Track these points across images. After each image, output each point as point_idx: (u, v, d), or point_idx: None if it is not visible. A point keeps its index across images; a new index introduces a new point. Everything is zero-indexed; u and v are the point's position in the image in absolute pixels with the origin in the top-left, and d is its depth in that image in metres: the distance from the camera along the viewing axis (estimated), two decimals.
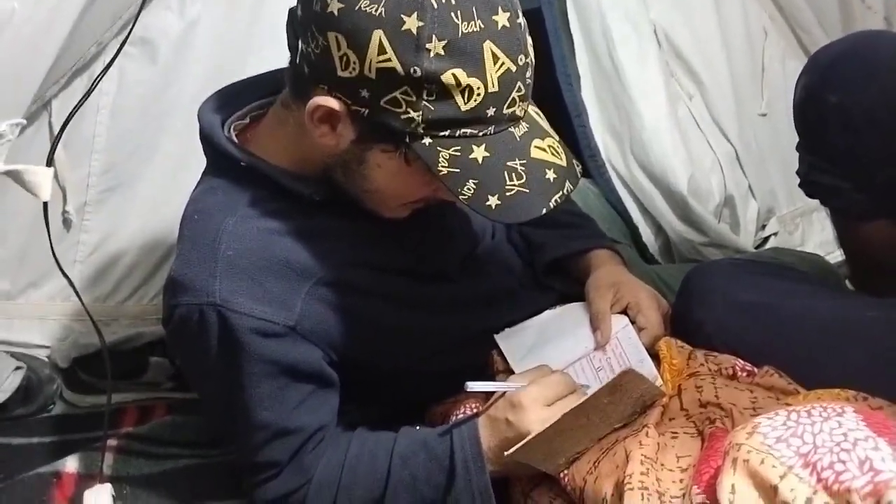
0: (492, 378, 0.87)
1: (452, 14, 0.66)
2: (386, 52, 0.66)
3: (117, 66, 1.06)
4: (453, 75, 0.66)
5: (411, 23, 0.65)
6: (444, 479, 0.78)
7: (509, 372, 0.87)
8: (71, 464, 0.93)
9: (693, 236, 1.28)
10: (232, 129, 0.82)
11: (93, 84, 0.99)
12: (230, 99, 0.84)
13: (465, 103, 0.68)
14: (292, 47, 0.73)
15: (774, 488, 0.59)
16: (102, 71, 1.01)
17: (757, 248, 1.35)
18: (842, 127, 0.85)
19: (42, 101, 1.08)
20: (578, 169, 0.75)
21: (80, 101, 0.97)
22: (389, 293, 0.83)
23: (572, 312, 0.92)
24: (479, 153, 0.70)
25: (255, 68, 0.87)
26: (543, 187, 0.71)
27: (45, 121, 1.11)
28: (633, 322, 0.88)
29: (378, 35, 0.66)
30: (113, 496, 0.86)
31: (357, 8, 0.66)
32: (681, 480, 0.70)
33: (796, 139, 0.93)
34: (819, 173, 0.90)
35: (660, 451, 0.73)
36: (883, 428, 0.60)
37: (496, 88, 0.68)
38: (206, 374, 0.81)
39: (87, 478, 0.90)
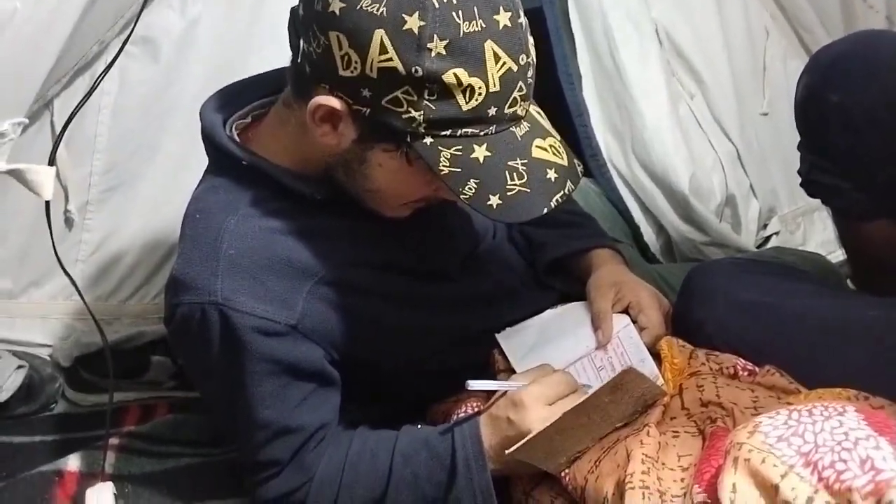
0: (493, 377, 0.88)
1: (454, 14, 0.66)
2: (387, 52, 0.66)
3: (119, 65, 1.06)
4: (455, 75, 0.66)
5: (413, 22, 0.65)
6: (445, 477, 0.78)
7: (510, 371, 0.87)
8: (73, 462, 0.93)
9: (694, 236, 1.28)
10: (234, 129, 0.83)
11: (94, 83, 0.99)
12: (232, 98, 0.84)
13: (467, 103, 0.68)
14: (294, 47, 0.73)
15: (775, 487, 0.59)
16: (104, 70, 1.02)
17: (758, 247, 1.35)
18: (843, 126, 0.85)
19: (44, 101, 1.09)
20: (580, 168, 0.76)
21: (81, 100, 0.97)
22: (390, 292, 0.83)
23: (573, 312, 0.92)
24: (480, 153, 0.70)
25: (257, 67, 0.88)
26: (544, 187, 0.71)
27: (46, 120, 1.11)
28: (634, 321, 0.88)
29: (379, 35, 0.66)
30: (115, 494, 0.86)
31: (358, 7, 0.66)
32: (682, 479, 0.70)
33: (797, 138, 0.93)
34: (820, 173, 0.90)
35: (661, 450, 0.73)
36: (884, 427, 0.60)
37: (497, 88, 0.68)
38: (207, 373, 0.81)
39: (89, 476, 0.90)
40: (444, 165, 0.69)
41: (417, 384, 0.90)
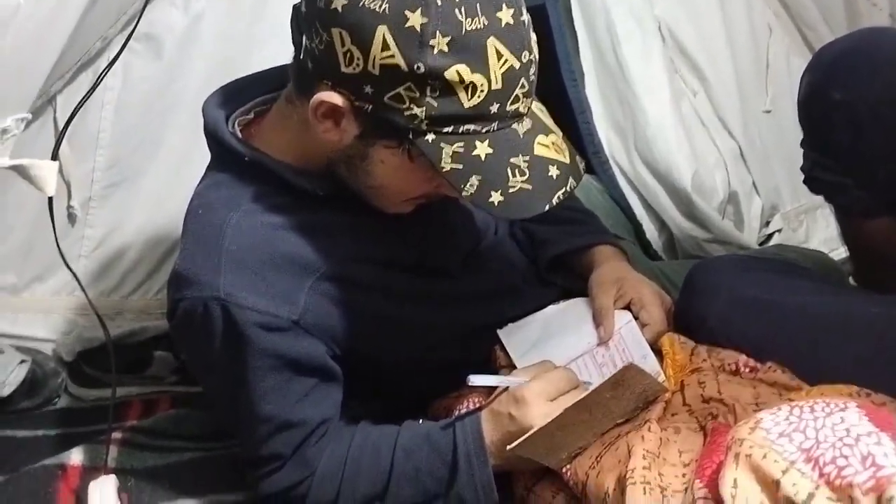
0: (494, 373, 0.88)
1: (456, 10, 0.66)
2: (389, 49, 0.66)
3: (122, 61, 1.06)
4: (457, 72, 0.66)
5: (415, 19, 0.65)
6: (446, 472, 0.79)
7: (512, 367, 0.87)
8: (76, 456, 0.93)
9: (697, 233, 1.28)
10: (236, 125, 0.83)
11: (97, 79, 1.00)
12: (234, 94, 0.84)
13: (469, 100, 0.68)
14: (296, 43, 0.73)
15: (776, 483, 0.59)
16: (107, 66, 1.02)
17: (761, 244, 1.35)
18: (846, 123, 0.85)
19: (47, 97, 1.09)
20: (582, 165, 0.76)
21: (84, 96, 0.97)
22: (392, 288, 0.83)
23: (575, 308, 0.92)
24: (482, 150, 0.70)
25: (259, 64, 0.88)
26: (546, 184, 0.71)
27: (49, 116, 1.11)
28: (636, 318, 0.88)
29: (382, 31, 0.66)
30: (117, 488, 0.86)
31: (361, 4, 0.66)
32: (683, 475, 0.70)
33: (800, 136, 0.93)
34: (822, 170, 0.90)
35: (662, 445, 0.73)
36: (886, 423, 0.60)
37: (500, 85, 0.68)
38: (209, 368, 0.81)
39: (92, 470, 0.90)
40: (445, 162, 0.69)
41: (419, 380, 0.90)
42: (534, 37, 0.71)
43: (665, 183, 1.27)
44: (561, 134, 0.76)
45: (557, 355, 0.85)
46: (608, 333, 0.87)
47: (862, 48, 0.87)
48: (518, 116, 0.72)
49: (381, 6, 0.65)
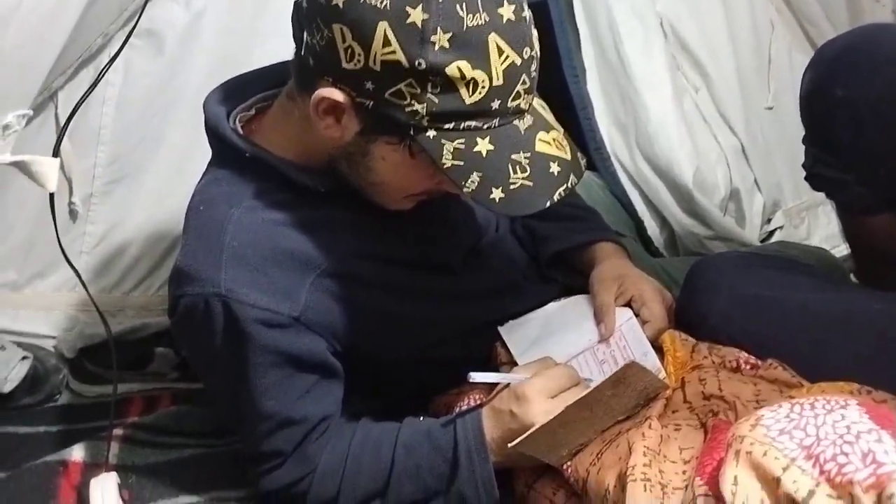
0: (495, 370, 0.88)
1: (458, 7, 0.66)
2: (391, 45, 0.66)
3: (123, 57, 1.06)
4: (458, 68, 0.66)
5: (416, 15, 0.65)
6: (447, 469, 0.79)
7: (513, 364, 0.87)
8: (77, 453, 0.93)
9: (698, 229, 1.28)
10: (237, 121, 0.83)
11: (99, 75, 0.99)
12: (235, 91, 0.84)
13: (470, 96, 0.68)
14: (297, 39, 0.73)
15: (777, 480, 0.59)
16: (108, 62, 1.02)
17: (762, 241, 1.34)
18: (847, 120, 0.85)
19: (48, 93, 1.09)
20: (583, 162, 0.76)
21: (86, 92, 0.97)
22: (393, 285, 0.83)
23: (576, 305, 0.92)
24: (483, 146, 0.70)
25: (261, 60, 0.88)
26: (547, 180, 0.71)
27: (51, 112, 1.11)
28: (636, 315, 0.88)
29: (383, 27, 0.66)
30: (119, 485, 0.86)
31: (362, 0, 0.66)
32: (683, 472, 0.70)
33: (802, 132, 0.92)
34: (824, 166, 0.90)
35: (663, 443, 0.73)
36: (886, 421, 0.60)
37: (501, 81, 0.68)
38: (211, 364, 0.81)
39: (94, 466, 0.91)
40: (446, 159, 0.69)
41: (420, 376, 0.90)
42: (535, 33, 0.71)
43: (666, 179, 1.26)
44: (562, 130, 0.76)
45: (558, 352, 0.85)
46: (609, 330, 0.87)
47: (864, 45, 0.87)
48: (519, 113, 0.72)
49: (382, 2, 0.65)
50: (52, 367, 1.14)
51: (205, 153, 0.85)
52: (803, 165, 0.93)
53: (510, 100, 0.70)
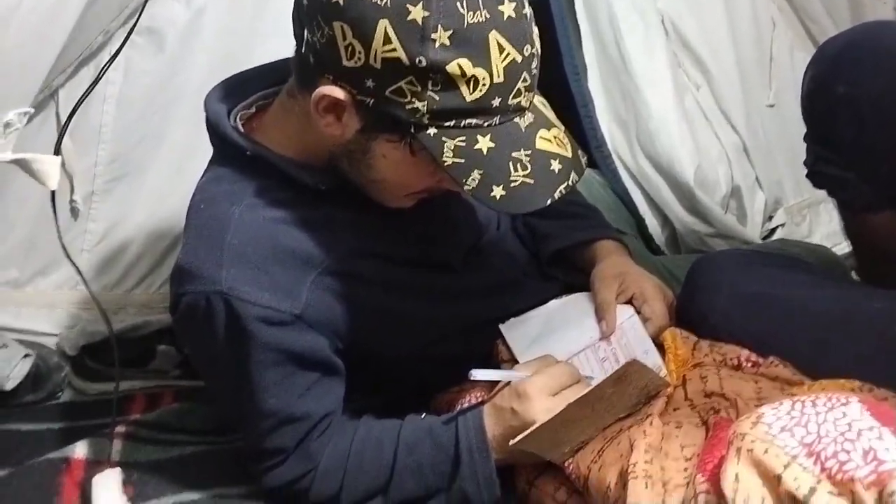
0: (497, 367, 0.88)
1: (458, 4, 0.66)
2: (391, 42, 0.66)
3: (124, 55, 1.06)
4: (458, 66, 0.66)
5: (417, 13, 0.65)
6: (449, 466, 0.79)
7: (514, 362, 0.87)
8: (80, 450, 0.93)
9: (699, 227, 1.28)
10: (238, 119, 0.83)
11: (99, 73, 1.00)
12: (236, 88, 0.84)
13: (471, 94, 0.68)
14: (298, 37, 0.73)
15: (778, 478, 0.59)
16: (109, 60, 1.02)
17: (764, 239, 1.34)
18: (849, 117, 0.85)
19: (49, 91, 1.09)
20: (584, 160, 0.75)
21: (86, 90, 0.97)
22: (394, 283, 0.83)
23: (577, 302, 0.92)
24: (483, 144, 0.70)
25: (262, 58, 0.88)
26: (548, 178, 0.71)
27: (52, 110, 1.11)
28: (638, 312, 0.88)
29: (384, 25, 0.66)
30: (122, 481, 0.86)
31: None
32: (685, 469, 0.70)
33: (804, 130, 0.92)
34: (826, 164, 0.90)
35: (664, 440, 0.73)
36: (888, 418, 0.60)
37: (502, 79, 0.68)
38: (212, 362, 0.81)
39: (96, 464, 0.91)
40: (447, 156, 0.69)
41: (421, 374, 0.90)
42: (536, 30, 0.71)
43: (667, 177, 1.26)
44: (563, 128, 0.76)
45: (559, 350, 0.85)
46: (610, 328, 0.87)
47: (866, 42, 0.87)
48: (520, 110, 0.72)
49: (382, 0, 0.65)
50: (55, 365, 1.15)
51: (205, 151, 0.85)
52: (805, 163, 0.93)
53: (511, 97, 0.70)
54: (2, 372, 1.09)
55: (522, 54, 0.69)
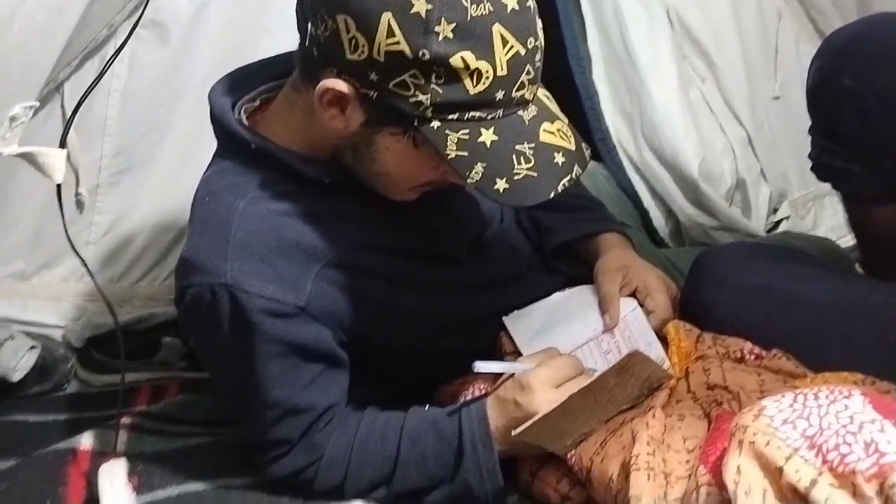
0: (500, 360, 0.88)
1: None
2: (395, 35, 0.66)
3: (129, 48, 1.06)
4: (462, 58, 0.66)
5: (420, 5, 0.65)
6: (452, 458, 0.79)
7: (517, 354, 0.87)
8: (86, 441, 0.94)
9: (704, 220, 1.27)
10: (242, 112, 0.83)
11: (104, 67, 1.00)
12: (241, 81, 0.84)
13: (474, 87, 0.68)
14: (302, 30, 0.73)
15: (780, 470, 0.59)
16: (114, 54, 1.02)
17: (768, 232, 1.34)
18: (854, 110, 0.85)
19: (54, 84, 1.09)
20: (587, 152, 0.75)
21: (91, 83, 0.97)
22: (398, 275, 0.84)
23: (581, 295, 0.92)
24: (487, 136, 0.70)
25: (266, 51, 0.88)
26: (552, 171, 0.71)
27: (57, 103, 1.11)
28: (641, 305, 0.88)
29: (387, 18, 0.66)
30: (127, 471, 0.87)
31: None
32: (687, 461, 0.71)
33: (809, 122, 0.92)
34: (830, 157, 0.90)
35: (666, 432, 0.74)
36: (890, 411, 0.60)
37: (505, 72, 0.68)
38: (217, 354, 0.82)
39: (102, 454, 0.91)
40: (451, 149, 0.69)
41: (425, 366, 0.90)
42: (540, 23, 0.71)
43: (672, 170, 1.26)
44: (567, 121, 0.76)
45: (563, 342, 0.86)
46: (614, 320, 0.87)
47: (872, 34, 0.87)
48: (524, 103, 0.72)
49: None
50: (61, 357, 1.15)
51: (210, 144, 0.85)
52: (810, 156, 0.93)
53: (514, 90, 0.70)
54: (8, 363, 1.10)
55: (526, 47, 0.69)
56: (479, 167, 0.69)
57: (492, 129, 0.70)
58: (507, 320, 0.90)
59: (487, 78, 0.67)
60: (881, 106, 0.83)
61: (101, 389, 1.13)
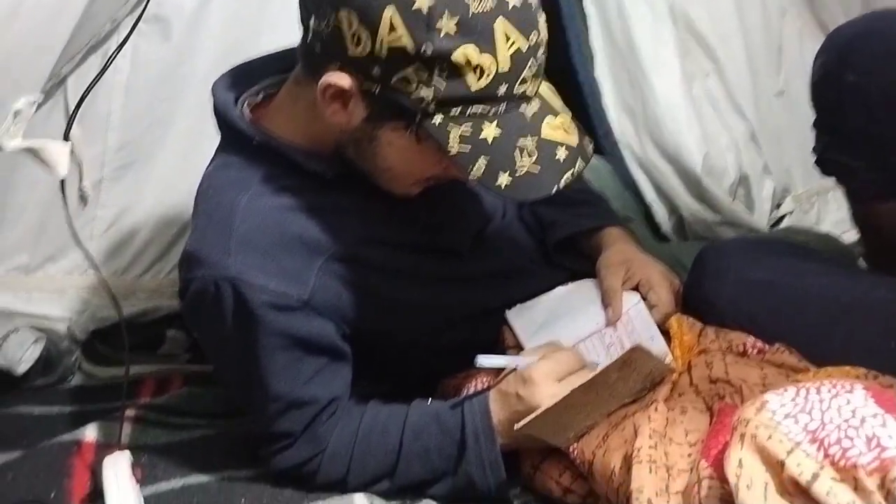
0: (503, 353, 0.88)
1: None
2: (397, 30, 0.66)
3: (131, 43, 1.06)
4: (464, 53, 0.66)
5: (422, 1, 0.65)
6: (455, 451, 0.79)
7: (520, 348, 0.88)
8: (90, 433, 0.95)
9: (707, 215, 1.27)
10: (245, 106, 0.83)
11: (107, 61, 1.00)
12: (244, 76, 0.85)
13: (477, 81, 0.68)
14: (304, 25, 0.73)
15: (781, 463, 0.60)
16: (117, 48, 1.02)
17: (772, 227, 1.34)
18: (858, 106, 0.85)
19: (58, 78, 1.09)
20: (590, 147, 0.75)
21: (95, 78, 0.98)
22: (401, 269, 0.84)
23: (583, 289, 0.92)
24: (489, 131, 0.70)
25: (269, 46, 0.88)
26: (554, 166, 0.71)
27: (60, 98, 1.11)
28: (644, 299, 0.88)
29: (389, 13, 0.66)
30: (131, 464, 0.87)
31: None
32: (689, 455, 0.71)
33: (813, 117, 0.92)
34: (834, 152, 0.89)
35: (668, 425, 0.74)
36: (892, 405, 0.60)
37: (507, 67, 0.68)
38: (221, 347, 0.82)
39: (106, 446, 0.92)
40: (453, 144, 0.69)
41: (428, 360, 0.91)
42: (542, 17, 0.71)
43: (675, 164, 1.26)
44: (570, 115, 0.75)
45: (565, 336, 0.86)
46: (616, 314, 0.87)
47: (876, 30, 0.86)
48: (526, 98, 0.72)
49: None
50: (65, 349, 1.16)
51: (213, 138, 0.85)
52: (813, 151, 0.93)
53: (517, 85, 0.70)
54: (13, 356, 1.11)
55: (529, 42, 0.69)
56: (481, 162, 0.69)
57: (494, 123, 0.70)
58: (510, 314, 0.90)
59: (490, 73, 0.67)
60: (885, 101, 0.83)
61: (106, 382, 1.14)
